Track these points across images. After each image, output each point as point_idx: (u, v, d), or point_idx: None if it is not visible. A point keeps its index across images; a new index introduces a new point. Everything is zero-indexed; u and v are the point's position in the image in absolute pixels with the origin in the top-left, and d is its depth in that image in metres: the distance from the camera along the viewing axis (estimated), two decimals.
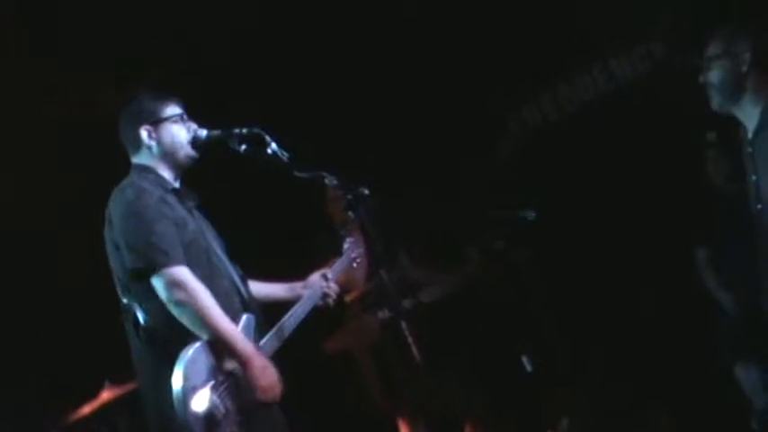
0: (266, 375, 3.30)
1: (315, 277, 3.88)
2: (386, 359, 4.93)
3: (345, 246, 4.16)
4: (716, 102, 3.56)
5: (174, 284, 3.25)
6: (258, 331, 3.47)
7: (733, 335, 4.56)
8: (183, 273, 3.28)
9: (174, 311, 3.27)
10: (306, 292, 3.80)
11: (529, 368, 4.40)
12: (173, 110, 3.59)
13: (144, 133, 3.55)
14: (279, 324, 3.58)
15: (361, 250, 4.24)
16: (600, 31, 5.47)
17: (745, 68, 3.47)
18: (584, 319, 5.27)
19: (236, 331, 3.32)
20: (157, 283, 3.27)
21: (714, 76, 3.52)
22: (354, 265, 4.18)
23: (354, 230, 4.67)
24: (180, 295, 3.24)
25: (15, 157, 5.37)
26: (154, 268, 3.27)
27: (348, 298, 5.01)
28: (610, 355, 5.22)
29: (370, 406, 5.11)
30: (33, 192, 5.37)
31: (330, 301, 3.86)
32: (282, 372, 3.41)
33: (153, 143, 3.55)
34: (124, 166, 3.62)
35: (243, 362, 3.28)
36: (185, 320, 3.27)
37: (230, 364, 3.29)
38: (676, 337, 5.10)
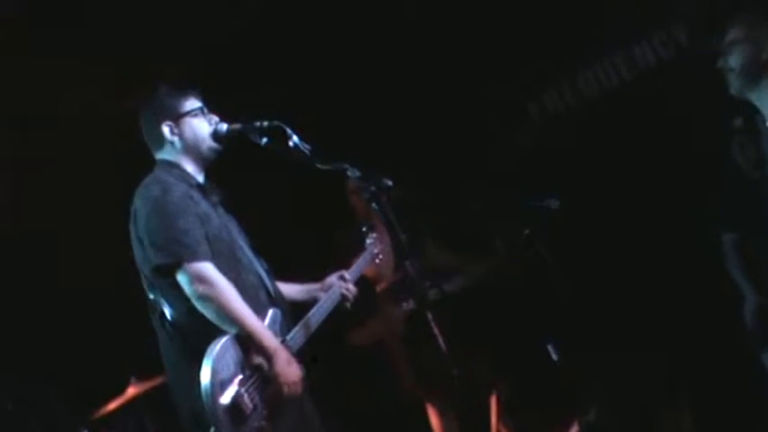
0: (290, 370, 3.30)
1: (332, 279, 3.85)
2: (414, 349, 4.92)
3: (368, 241, 4.14)
4: (735, 87, 3.60)
5: (197, 279, 3.25)
6: (284, 326, 3.48)
7: (760, 322, 4.52)
8: (206, 268, 3.28)
9: (199, 306, 3.27)
10: (322, 295, 3.78)
11: (556, 357, 4.37)
12: (192, 104, 3.59)
13: (166, 129, 3.55)
14: (304, 320, 3.58)
15: (384, 246, 4.22)
16: (621, 16, 5.42)
17: (766, 55, 3.49)
18: (610, 307, 5.23)
19: (261, 325, 3.32)
20: (182, 278, 3.28)
21: (734, 60, 3.55)
22: (377, 261, 4.18)
23: (377, 222, 4.65)
24: (204, 290, 3.25)
25: (38, 154, 5.41)
26: (178, 264, 3.27)
27: (378, 289, 5.01)
28: (635, 345, 5.19)
29: (399, 395, 5.11)
30: (59, 189, 5.40)
31: (348, 304, 3.84)
32: (312, 363, 3.41)
33: (175, 138, 3.55)
34: (145, 161, 3.63)
35: (268, 356, 3.28)
36: (209, 315, 3.27)
37: (257, 358, 3.30)
38: (703, 325, 5.06)
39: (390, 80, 5.67)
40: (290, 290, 3.79)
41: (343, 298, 3.81)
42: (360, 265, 4.02)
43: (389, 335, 5.05)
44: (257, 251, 3.63)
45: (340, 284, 3.81)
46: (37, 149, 5.43)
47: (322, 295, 3.76)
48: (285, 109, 3.58)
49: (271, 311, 3.44)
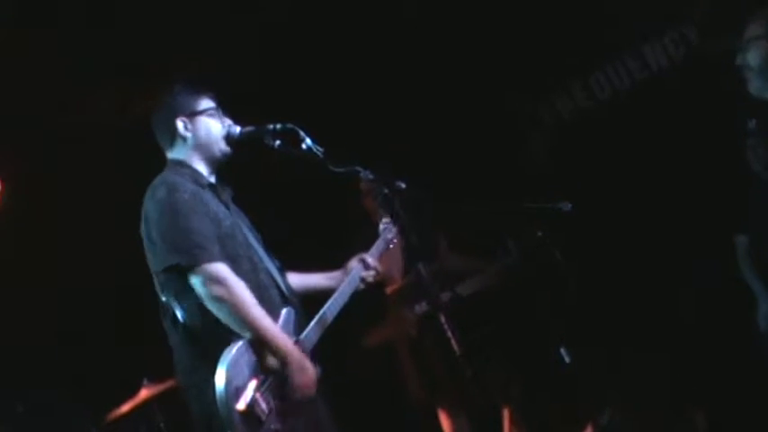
0: (304, 373, 3.27)
1: (353, 263, 3.81)
2: (426, 351, 4.91)
3: (381, 227, 4.09)
4: (754, 85, 3.52)
5: (212, 280, 3.23)
6: (298, 324, 3.45)
7: None
8: (221, 269, 3.26)
9: (212, 308, 3.25)
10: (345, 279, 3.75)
11: (568, 359, 4.36)
12: (207, 103, 3.59)
13: (180, 124, 3.54)
14: (320, 313, 3.54)
15: (397, 231, 4.16)
16: (632, 16, 5.41)
17: None
18: (622, 310, 5.22)
19: (275, 328, 3.29)
20: (195, 279, 3.25)
21: (753, 57, 3.48)
22: (391, 246, 4.11)
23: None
24: (219, 291, 3.22)
25: (50, 161, 5.43)
26: (192, 264, 3.25)
27: (387, 291, 5.00)
28: (649, 348, 5.18)
29: (410, 398, 5.10)
30: (72, 193, 5.41)
31: (369, 282, 3.80)
32: (324, 365, 3.40)
33: (188, 134, 3.54)
34: (154, 168, 3.63)
35: (281, 359, 3.26)
36: (223, 317, 3.25)
37: (272, 361, 3.28)
38: (716, 326, 5.04)
39: (403, 83, 5.68)
40: (312, 279, 3.77)
41: (363, 280, 3.76)
42: (376, 250, 3.92)
43: (398, 338, 5.04)
44: (269, 249, 3.61)
45: (360, 267, 3.76)
46: (46, 153, 5.46)
47: (345, 279, 3.71)
48: (298, 112, 3.58)
49: (284, 311, 3.42)
